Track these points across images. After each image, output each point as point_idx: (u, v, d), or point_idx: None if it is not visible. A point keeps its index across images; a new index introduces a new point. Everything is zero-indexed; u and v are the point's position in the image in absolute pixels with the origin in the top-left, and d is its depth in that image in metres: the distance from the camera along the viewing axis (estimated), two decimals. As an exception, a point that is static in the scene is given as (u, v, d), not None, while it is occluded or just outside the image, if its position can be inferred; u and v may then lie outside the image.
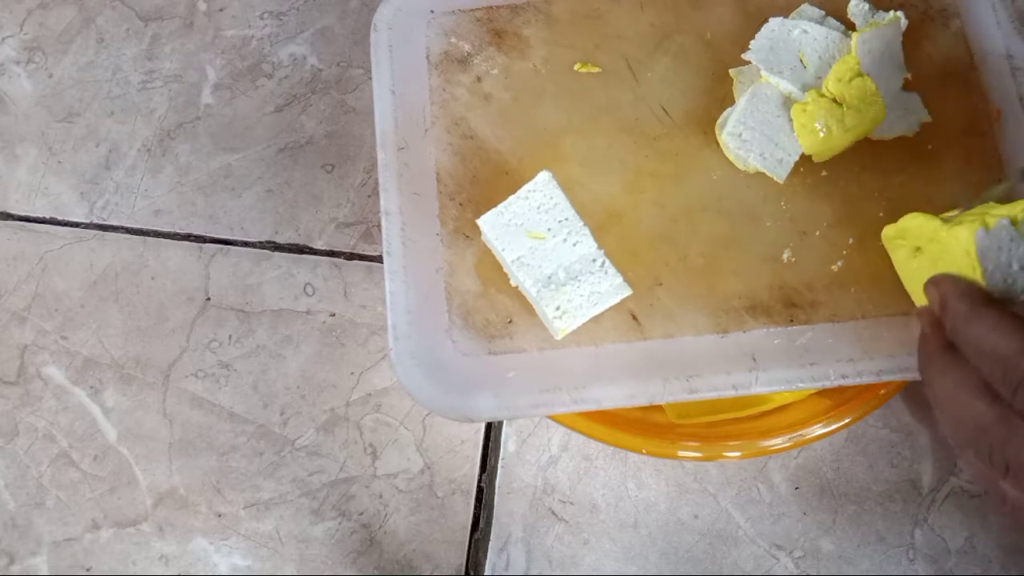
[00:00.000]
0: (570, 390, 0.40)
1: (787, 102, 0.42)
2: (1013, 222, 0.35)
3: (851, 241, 0.41)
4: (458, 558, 0.51)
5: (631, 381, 0.40)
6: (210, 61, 0.59)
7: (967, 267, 0.35)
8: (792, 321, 0.40)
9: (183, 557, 0.51)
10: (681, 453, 0.45)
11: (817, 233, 0.42)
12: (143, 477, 0.52)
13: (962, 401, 0.32)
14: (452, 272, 0.42)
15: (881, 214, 0.41)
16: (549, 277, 0.39)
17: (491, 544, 0.51)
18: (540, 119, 0.44)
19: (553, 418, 0.45)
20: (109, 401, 0.53)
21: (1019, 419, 0.30)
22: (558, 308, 0.39)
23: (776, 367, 0.40)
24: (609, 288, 0.39)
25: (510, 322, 0.41)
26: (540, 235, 0.39)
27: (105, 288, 0.55)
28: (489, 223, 0.39)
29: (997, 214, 0.35)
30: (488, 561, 0.51)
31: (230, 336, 0.54)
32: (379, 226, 0.55)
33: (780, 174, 0.41)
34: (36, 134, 0.58)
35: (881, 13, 0.43)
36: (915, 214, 0.38)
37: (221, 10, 0.60)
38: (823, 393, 0.45)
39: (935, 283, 0.35)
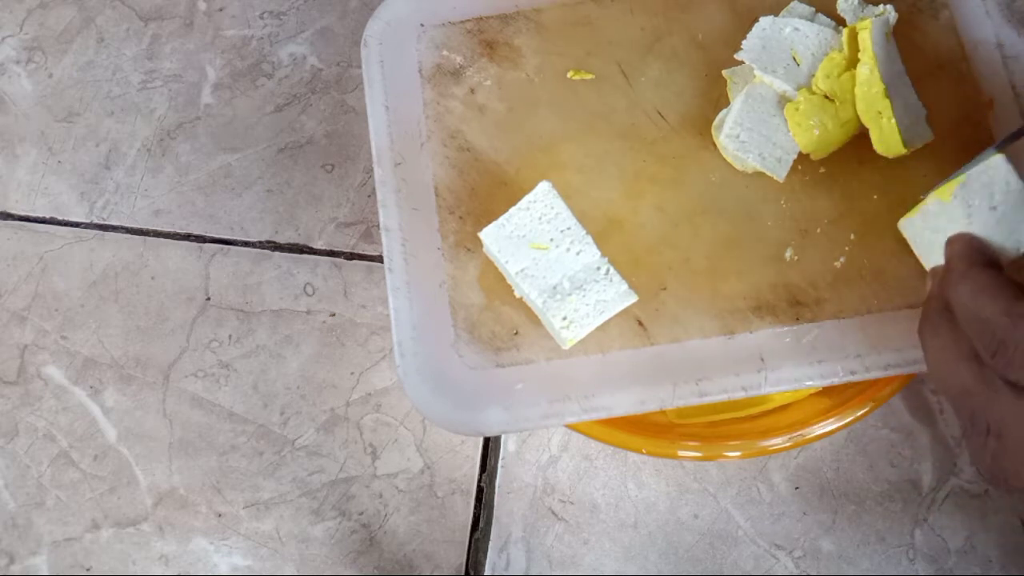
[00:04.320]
0: (579, 399, 0.40)
1: (782, 101, 0.42)
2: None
3: (852, 237, 0.41)
4: (458, 558, 0.51)
5: (640, 387, 0.40)
6: (210, 61, 0.59)
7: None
8: (798, 319, 0.40)
9: (183, 557, 0.51)
10: (681, 453, 0.44)
11: (818, 230, 0.42)
12: (143, 477, 0.52)
13: (951, 362, 0.33)
14: (455, 286, 0.42)
15: (881, 208, 0.41)
16: (554, 287, 0.39)
17: (491, 544, 0.51)
18: (536, 128, 0.44)
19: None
20: (109, 401, 0.53)
21: (1001, 382, 0.31)
22: (565, 318, 0.39)
23: (784, 366, 0.40)
24: (615, 295, 0.39)
25: (516, 334, 0.41)
26: (543, 246, 0.39)
27: (105, 288, 0.55)
28: (491, 236, 0.39)
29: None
30: (488, 561, 0.51)
31: (230, 336, 0.54)
32: (379, 226, 0.55)
33: (780, 173, 0.41)
34: (36, 134, 0.58)
35: (871, 7, 0.43)
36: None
37: (221, 10, 0.60)
38: (823, 393, 0.45)
39: (950, 241, 0.36)
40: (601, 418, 0.40)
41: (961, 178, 0.36)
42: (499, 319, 0.41)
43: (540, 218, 0.39)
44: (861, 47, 0.40)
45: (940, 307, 0.35)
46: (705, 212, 0.42)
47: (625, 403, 0.40)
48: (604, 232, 0.42)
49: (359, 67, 0.58)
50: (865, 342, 0.40)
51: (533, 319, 0.41)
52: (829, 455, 0.51)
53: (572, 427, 0.45)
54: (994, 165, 0.35)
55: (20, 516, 0.52)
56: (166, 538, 0.52)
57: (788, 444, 0.44)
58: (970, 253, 0.34)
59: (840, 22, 0.43)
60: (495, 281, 0.42)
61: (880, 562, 0.50)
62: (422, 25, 0.45)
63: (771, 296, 0.41)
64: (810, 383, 0.40)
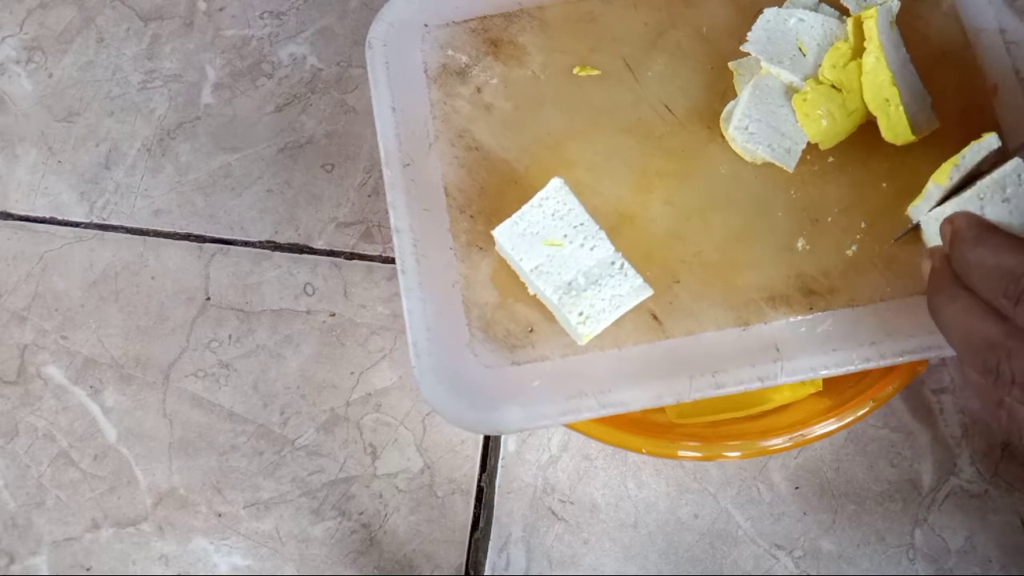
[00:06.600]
0: (596, 395, 0.39)
1: (789, 91, 0.42)
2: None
3: (863, 225, 0.42)
4: (458, 558, 0.51)
5: (657, 381, 0.40)
6: (210, 61, 0.59)
7: None
8: (812, 309, 0.40)
9: (183, 557, 0.51)
10: (681, 453, 0.44)
11: (829, 220, 0.42)
12: (143, 477, 0.52)
13: (971, 321, 0.34)
14: (468, 285, 0.41)
15: (890, 195, 0.42)
16: (569, 283, 0.39)
17: (491, 544, 0.51)
18: (543, 125, 0.44)
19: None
20: (109, 401, 0.53)
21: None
22: (581, 314, 0.38)
23: (800, 356, 0.40)
24: (630, 290, 0.39)
25: (531, 331, 0.41)
26: (557, 242, 0.39)
27: (105, 288, 0.55)
28: (504, 234, 0.39)
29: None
30: (488, 561, 0.51)
31: (230, 336, 0.54)
32: (379, 226, 0.55)
33: (789, 164, 0.41)
34: (36, 134, 0.58)
35: None
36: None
37: (221, 10, 0.60)
38: (823, 393, 0.45)
39: (950, 219, 0.37)
40: (618, 412, 0.40)
41: (954, 160, 0.37)
42: (513, 317, 0.41)
43: (553, 215, 0.39)
44: (866, 36, 0.40)
45: (951, 277, 0.36)
46: (715, 205, 0.42)
47: (642, 397, 0.39)
48: (615, 227, 0.42)
49: (359, 67, 0.58)
50: (879, 329, 0.40)
51: (547, 316, 0.41)
52: (829, 455, 0.51)
53: (572, 427, 0.45)
54: (1008, 165, 0.37)
55: (20, 516, 0.52)
56: (166, 538, 0.52)
57: (788, 444, 0.44)
58: (977, 221, 0.36)
59: (844, 12, 0.43)
60: (508, 279, 0.41)
61: (880, 562, 0.50)
62: (426, 25, 0.45)
63: (784, 286, 0.41)
64: (826, 372, 0.40)
